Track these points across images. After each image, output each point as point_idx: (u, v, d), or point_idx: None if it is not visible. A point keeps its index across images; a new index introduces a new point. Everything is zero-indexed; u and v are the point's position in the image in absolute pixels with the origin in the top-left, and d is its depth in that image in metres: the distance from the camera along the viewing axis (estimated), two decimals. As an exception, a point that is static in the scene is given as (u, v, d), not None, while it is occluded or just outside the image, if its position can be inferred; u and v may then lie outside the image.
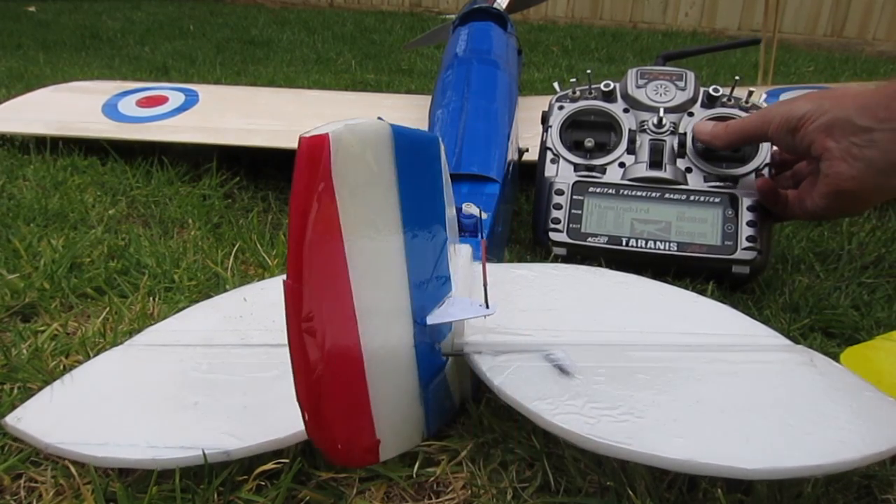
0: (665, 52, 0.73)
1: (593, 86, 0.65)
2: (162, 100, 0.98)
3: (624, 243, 0.58)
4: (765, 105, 0.62)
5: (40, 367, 0.46)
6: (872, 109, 0.48)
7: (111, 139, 0.88)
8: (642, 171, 0.60)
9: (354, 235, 0.31)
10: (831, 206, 0.52)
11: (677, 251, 0.57)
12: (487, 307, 0.38)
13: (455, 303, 0.40)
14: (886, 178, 0.48)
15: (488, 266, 0.42)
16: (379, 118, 0.33)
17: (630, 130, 0.62)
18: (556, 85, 0.67)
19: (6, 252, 0.63)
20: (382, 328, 0.34)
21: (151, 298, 0.56)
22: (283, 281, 0.29)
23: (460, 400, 0.43)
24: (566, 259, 0.60)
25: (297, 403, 0.31)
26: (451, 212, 0.43)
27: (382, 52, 2.16)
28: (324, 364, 0.31)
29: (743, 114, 0.61)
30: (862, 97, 0.49)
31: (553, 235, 0.60)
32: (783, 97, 0.93)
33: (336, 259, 0.31)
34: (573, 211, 0.60)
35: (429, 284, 0.38)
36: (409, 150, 0.35)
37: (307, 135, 0.29)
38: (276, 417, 0.36)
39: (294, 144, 0.29)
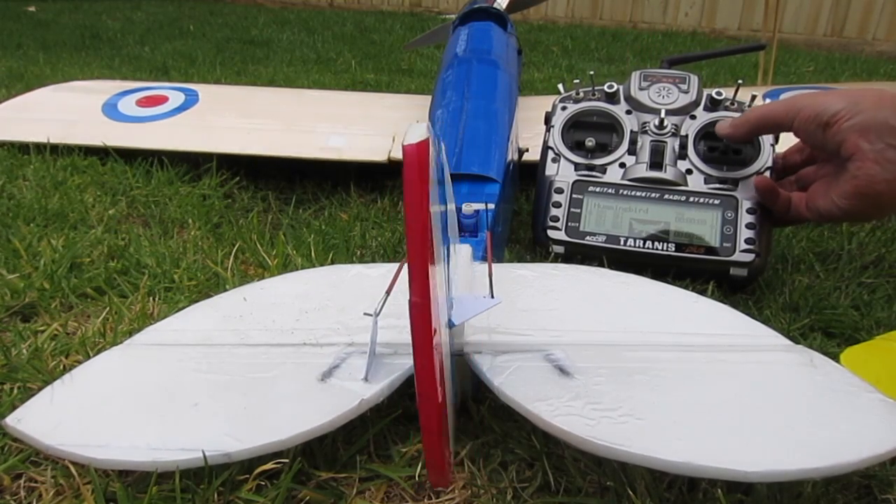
0: (669, 57, 0.72)
1: (597, 87, 0.65)
2: (162, 99, 0.97)
3: (622, 243, 0.58)
4: None
5: (40, 367, 0.46)
6: None
7: (109, 147, 0.88)
8: (642, 171, 0.60)
9: (436, 237, 0.31)
10: (852, 209, 0.51)
11: (675, 252, 0.57)
12: (493, 298, 0.38)
13: (464, 300, 0.39)
14: None
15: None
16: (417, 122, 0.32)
17: (632, 131, 0.62)
18: (560, 86, 0.67)
19: (6, 252, 0.63)
20: (443, 333, 0.33)
21: (151, 298, 0.56)
22: (409, 301, 0.28)
23: (461, 400, 0.43)
24: (565, 258, 0.60)
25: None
26: (450, 208, 0.43)
27: (382, 52, 2.16)
28: (442, 380, 0.30)
29: None
30: None
31: (551, 233, 0.60)
32: (783, 97, 0.93)
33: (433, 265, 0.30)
34: (572, 209, 0.60)
35: (448, 282, 0.38)
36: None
37: (408, 143, 0.27)
38: (277, 418, 0.36)
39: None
